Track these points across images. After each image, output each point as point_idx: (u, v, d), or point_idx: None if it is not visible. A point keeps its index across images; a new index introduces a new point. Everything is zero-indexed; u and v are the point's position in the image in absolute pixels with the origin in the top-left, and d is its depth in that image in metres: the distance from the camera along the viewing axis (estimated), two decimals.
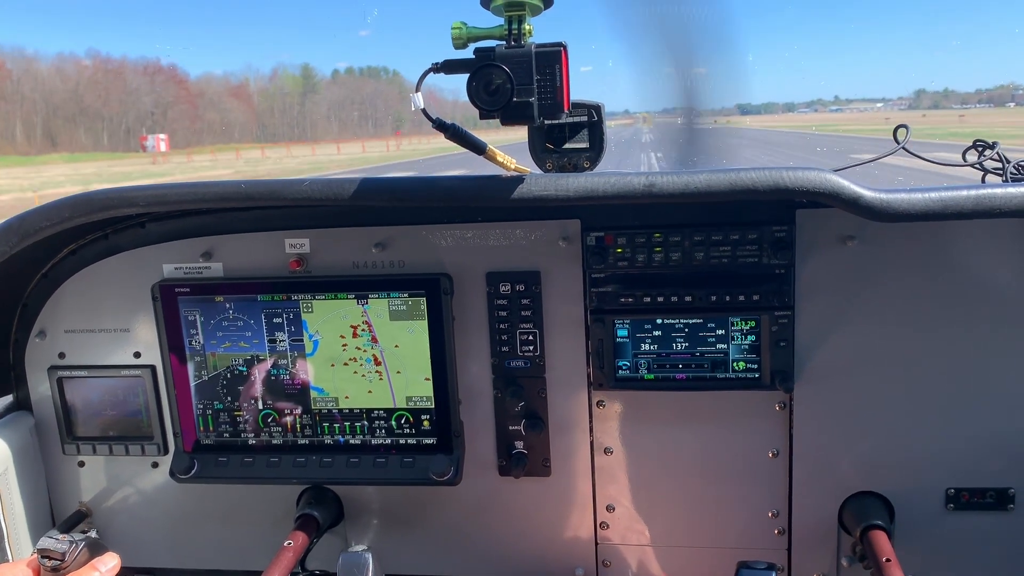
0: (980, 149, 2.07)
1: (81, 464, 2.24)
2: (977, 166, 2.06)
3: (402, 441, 2.05)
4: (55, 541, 1.52)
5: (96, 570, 1.55)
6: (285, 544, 1.91)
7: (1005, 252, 1.84)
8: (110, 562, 1.59)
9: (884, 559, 1.74)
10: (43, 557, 1.51)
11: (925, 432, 1.93)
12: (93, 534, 1.64)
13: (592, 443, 2.07)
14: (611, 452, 2.06)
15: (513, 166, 1.79)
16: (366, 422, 2.05)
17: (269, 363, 2.04)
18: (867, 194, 1.63)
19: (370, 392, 2.03)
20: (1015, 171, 2.00)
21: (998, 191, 1.64)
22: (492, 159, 1.78)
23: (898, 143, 2.04)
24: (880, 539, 1.83)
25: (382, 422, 2.05)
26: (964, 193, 1.64)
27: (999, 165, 2.03)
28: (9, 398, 2.22)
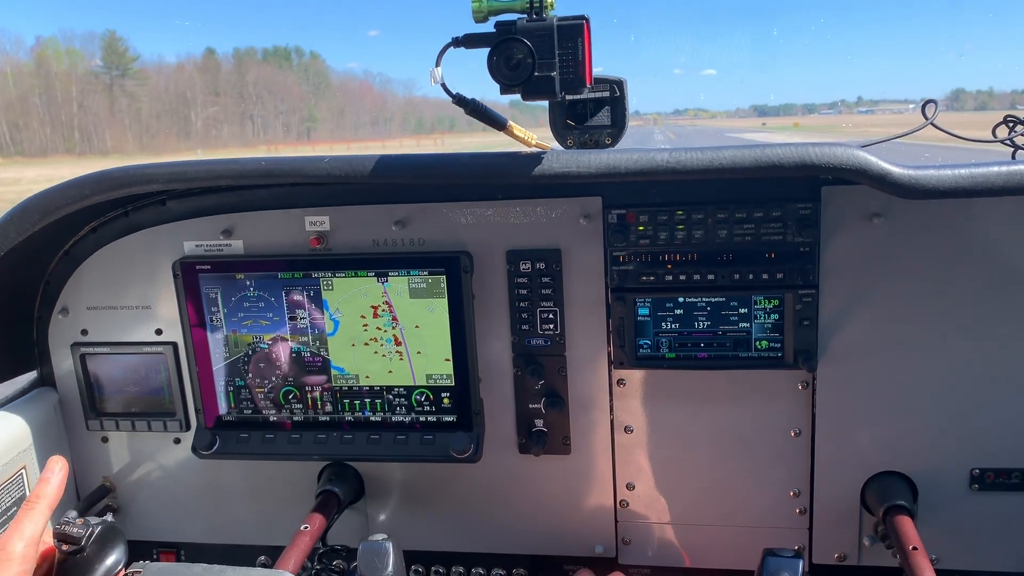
0: (1011, 125, 2.02)
1: (104, 440, 2.26)
2: (1008, 142, 2.01)
3: (422, 418, 2.05)
4: (72, 525, 1.49)
5: (47, 482, 1.47)
6: (302, 528, 1.91)
7: None
8: (54, 466, 1.51)
9: (911, 547, 1.71)
10: (59, 541, 1.49)
11: (950, 412, 1.90)
12: (109, 517, 1.62)
13: (612, 421, 2.06)
14: (631, 431, 2.06)
15: (534, 142, 1.77)
16: (387, 399, 2.06)
17: (290, 340, 2.05)
18: (895, 170, 1.60)
19: (391, 372, 2.04)
20: None
21: None
22: (512, 135, 1.76)
23: (926, 119, 2.00)
24: (905, 525, 1.80)
25: (403, 399, 2.05)
26: (995, 169, 1.60)
27: None
28: (33, 374, 2.24)
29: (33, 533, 1.40)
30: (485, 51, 1.58)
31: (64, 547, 1.47)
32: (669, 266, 1.91)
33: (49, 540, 1.50)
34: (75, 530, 1.48)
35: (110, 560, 1.52)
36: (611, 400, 2.05)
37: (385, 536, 1.78)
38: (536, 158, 1.72)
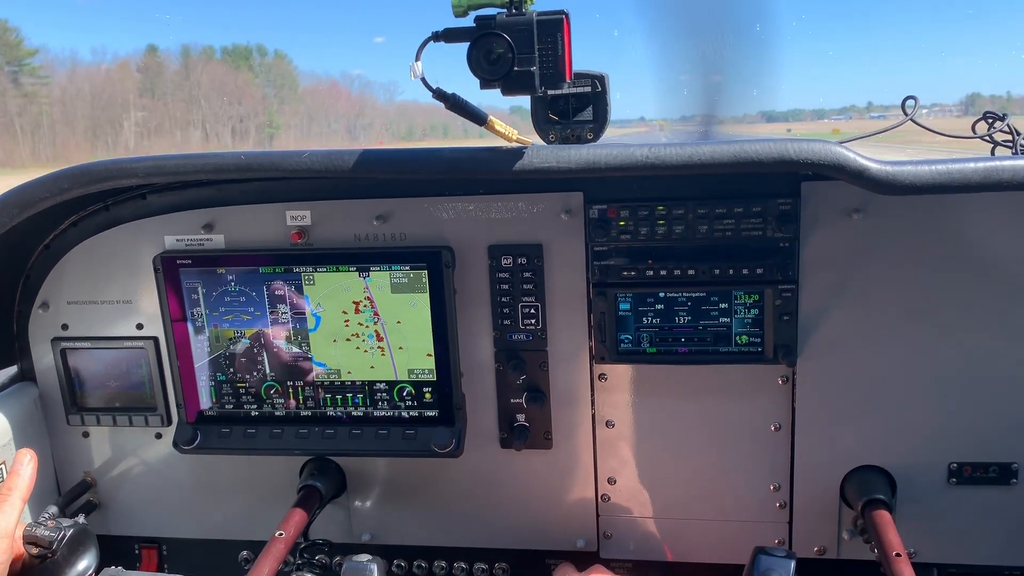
0: (990, 121, 2.04)
1: (85, 435, 2.25)
2: (987, 138, 2.03)
3: (404, 413, 2.05)
4: (43, 527, 1.46)
5: (17, 475, 1.49)
6: (276, 535, 1.88)
7: (1012, 226, 1.81)
8: (23, 458, 1.53)
9: (894, 553, 1.70)
10: (28, 543, 1.45)
11: (928, 406, 1.92)
12: (81, 519, 1.59)
13: (594, 416, 2.07)
14: (613, 425, 2.06)
15: (515, 138, 1.77)
16: (368, 394, 2.05)
17: (271, 335, 2.04)
18: (873, 166, 1.61)
19: (372, 367, 2.03)
20: None
21: (1007, 164, 1.62)
22: (493, 130, 1.76)
23: (906, 114, 2.01)
24: (884, 519, 1.81)
25: (384, 394, 2.05)
26: (972, 166, 1.61)
27: (1009, 138, 2.00)
28: (13, 369, 2.23)
29: (7, 526, 1.40)
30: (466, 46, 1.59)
31: (33, 550, 1.44)
32: (650, 261, 1.91)
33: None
34: (45, 533, 1.44)
35: (80, 565, 1.49)
36: (592, 395, 2.05)
37: (370, 557, 1.76)
38: (517, 153, 1.73)
